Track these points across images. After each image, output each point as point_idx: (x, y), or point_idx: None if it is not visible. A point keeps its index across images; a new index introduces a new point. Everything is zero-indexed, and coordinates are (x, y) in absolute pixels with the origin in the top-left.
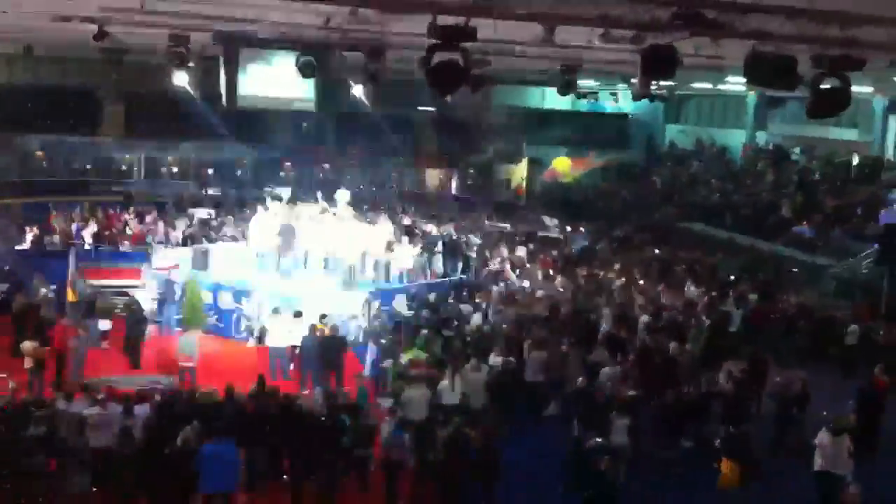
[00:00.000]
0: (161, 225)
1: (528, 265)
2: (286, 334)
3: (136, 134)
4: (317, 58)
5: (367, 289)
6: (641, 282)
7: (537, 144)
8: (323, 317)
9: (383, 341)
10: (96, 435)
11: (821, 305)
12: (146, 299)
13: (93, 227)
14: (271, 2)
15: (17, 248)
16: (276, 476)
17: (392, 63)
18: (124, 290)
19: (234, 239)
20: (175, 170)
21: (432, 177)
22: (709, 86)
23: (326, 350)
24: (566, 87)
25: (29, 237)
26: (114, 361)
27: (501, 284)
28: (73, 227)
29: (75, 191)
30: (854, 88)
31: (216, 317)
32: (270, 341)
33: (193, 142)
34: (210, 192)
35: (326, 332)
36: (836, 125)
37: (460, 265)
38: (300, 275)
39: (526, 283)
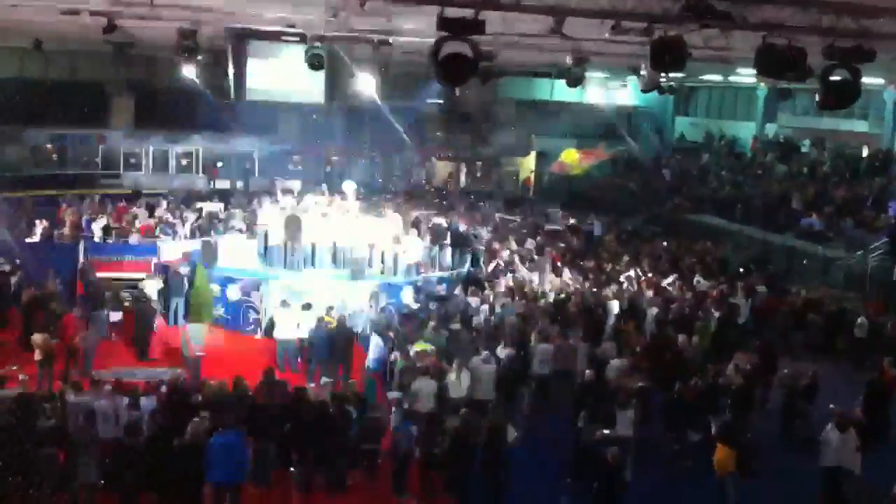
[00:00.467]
0: (170, 218)
1: (536, 258)
2: (294, 327)
3: (144, 127)
4: (325, 51)
5: (375, 281)
6: (650, 274)
7: (546, 137)
8: (330, 309)
9: (391, 333)
10: (105, 427)
11: (830, 298)
12: (154, 292)
13: (102, 220)
14: None
15: (27, 240)
16: (284, 467)
17: (400, 56)
18: (133, 282)
19: (242, 232)
20: (184, 163)
21: (440, 169)
22: (718, 78)
23: (334, 342)
24: (575, 80)
25: (39, 230)
26: (122, 354)
27: (509, 277)
28: (83, 219)
29: (85, 184)
30: (865, 80)
31: (224, 309)
32: (278, 334)
33: (202, 135)
34: (218, 184)
35: (334, 324)
36: (846, 117)
37: (468, 258)
38: (308, 267)
39: (534, 276)
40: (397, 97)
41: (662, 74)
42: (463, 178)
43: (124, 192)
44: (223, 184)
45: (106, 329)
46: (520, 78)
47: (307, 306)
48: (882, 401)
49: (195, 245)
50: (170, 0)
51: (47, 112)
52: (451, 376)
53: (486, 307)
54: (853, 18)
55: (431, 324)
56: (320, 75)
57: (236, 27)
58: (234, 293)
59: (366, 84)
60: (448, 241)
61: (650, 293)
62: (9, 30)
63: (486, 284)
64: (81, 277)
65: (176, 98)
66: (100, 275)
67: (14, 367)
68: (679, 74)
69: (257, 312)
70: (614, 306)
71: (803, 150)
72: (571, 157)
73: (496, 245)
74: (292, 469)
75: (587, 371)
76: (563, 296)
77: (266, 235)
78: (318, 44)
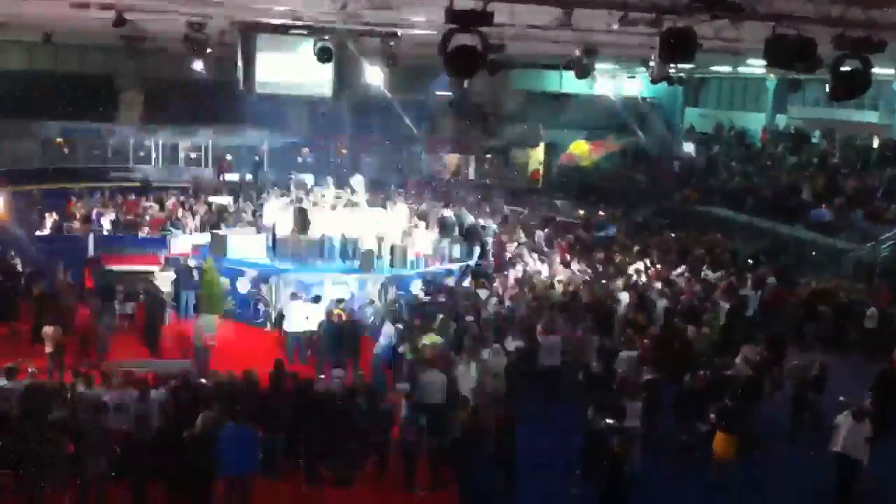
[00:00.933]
0: (179, 211)
1: (545, 249)
2: (304, 319)
3: (154, 120)
4: (334, 43)
5: (384, 274)
6: (659, 266)
7: (555, 129)
8: (340, 301)
9: (399, 326)
10: (115, 419)
11: (840, 289)
12: (165, 285)
13: (112, 214)
14: None
15: (37, 233)
16: (293, 459)
17: (409, 48)
18: (143, 275)
19: (251, 225)
20: (193, 156)
21: (449, 162)
22: (728, 69)
23: (343, 335)
24: (584, 71)
25: (49, 223)
26: (133, 346)
27: (518, 269)
28: (93, 213)
29: (94, 177)
30: (875, 70)
31: (234, 302)
32: (288, 326)
33: (211, 128)
34: (228, 178)
35: (344, 317)
36: (856, 108)
37: (477, 250)
38: (317, 260)
39: (543, 268)
40: (406, 89)
41: (672, 65)
42: (472, 170)
43: (134, 185)
44: (232, 177)
45: (117, 321)
46: (529, 70)
47: (316, 299)
48: (892, 392)
49: (205, 238)
50: None
51: (57, 105)
52: (460, 369)
53: (494, 299)
54: (863, 9)
55: (440, 316)
56: (329, 68)
57: (245, 20)
58: (243, 286)
59: (374, 77)
60: (457, 233)
61: (659, 285)
62: (18, 23)
63: (495, 277)
64: (91, 271)
65: (185, 91)
66: (109, 268)
67: (22, 361)
68: (688, 65)
69: (267, 305)
70: (623, 298)
71: (813, 140)
72: (581, 149)
73: (505, 237)
74: (301, 461)
75: (595, 363)
76: (571, 288)
77: (274, 228)
78: (326, 36)
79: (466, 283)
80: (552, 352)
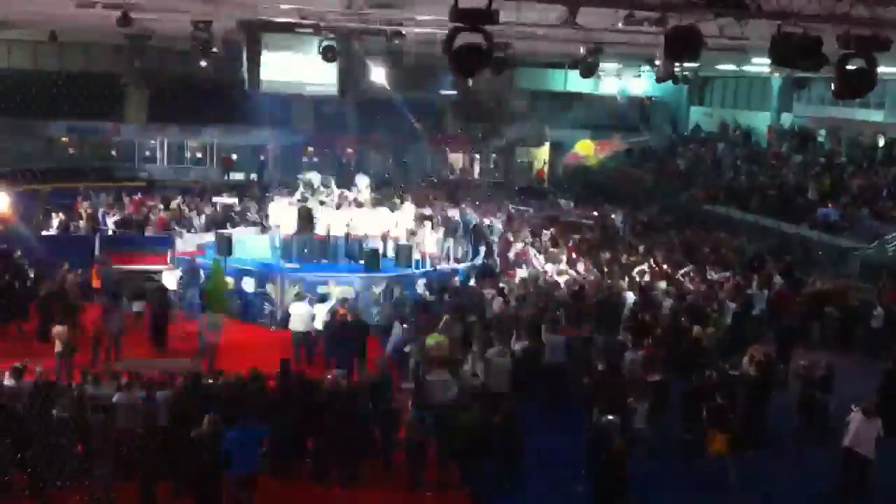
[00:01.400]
0: (185, 210)
1: (551, 249)
2: (309, 318)
3: (159, 119)
4: (339, 42)
5: (389, 273)
6: (665, 265)
7: (560, 128)
8: (345, 301)
9: (405, 325)
10: (123, 419)
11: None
12: (171, 284)
13: (118, 213)
14: None
15: (43, 233)
16: (299, 458)
17: (413, 47)
18: (149, 274)
19: (256, 224)
20: (198, 155)
21: (455, 161)
22: (733, 67)
23: (349, 334)
24: (589, 70)
25: (55, 223)
26: (139, 345)
27: (524, 269)
28: (99, 212)
29: (100, 176)
30: (881, 69)
31: (240, 301)
32: (293, 325)
33: (216, 127)
34: (233, 177)
35: (349, 316)
36: (862, 106)
37: (482, 249)
38: (323, 259)
39: (548, 267)
40: (411, 88)
41: (677, 64)
42: (477, 169)
43: (139, 184)
44: (237, 176)
45: (123, 320)
46: (534, 68)
47: (322, 298)
48: None
49: (210, 237)
50: None
51: (62, 105)
52: (466, 368)
53: (500, 299)
54: (868, 7)
55: (445, 316)
56: (334, 67)
57: (251, 19)
58: (249, 285)
59: (379, 75)
60: (462, 232)
61: (665, 284)
62: (24, 22)
63: (501, 276)
64: (97, 270)
65: (190, 90)
66: (116, 267)
67: (29, 360)
68: (693, 64)
69: (272, 304)
70: (629, 297)
71: (819, 139)
72: (586, 148)
73: (510, 236)
74: (307, 460)
75: (601, 363)
76: (577, 287)
77: (279, 228)
78: (331, 35)
79: (472, 282)
80: (557, 351)
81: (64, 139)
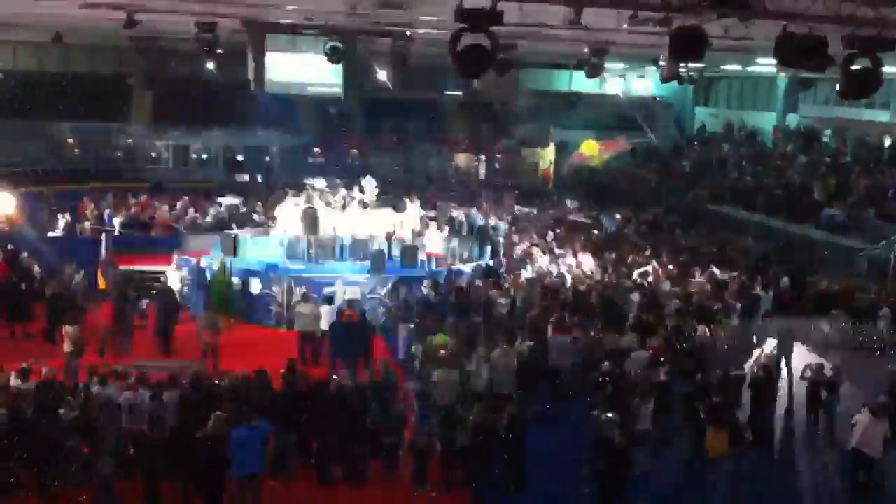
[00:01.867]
0: (191, 211)
1: (556, 250)
2: (315, 319)
3: (165, 121)
4: (344, 43)
5: (395, 274)
6: (670, 266)
7: (565, 128)
8: (351, 302)
9: (411, 326)
10: (129, 419)
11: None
12: (178, 284)
13: (123, 214)
14: None
15: (49, 234)
16: (304, 459)
17: (419, 48)
18: (155, 275)
19: (262, 225)
20: (204, 156)
21: (460, 161)
22: (738, 68)
23: (355, 335)
24: (594, 71)
25: (61, 223)
26: (145, 346)
27: (529, 269)
28: (105, 213)
29: (106, 178)
30: (886, 69)
31: (245, 302)
32: (299, 326)
33: (222, 128)
34: (238, 178)
35: (355, 317)
36: (868, 106)
37: (488, 250)
38: (329, 260)
39: (554, 268)
40: (416, 89)
41: (682, 65)
42: (482, 169)
43: (145, 185)
44: (242, 177)
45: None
46: (539, 69)
47: (328, 299)
48: None
49: (216, 238)
50: None
51: (67, 106)
52: (471, 368)
53: (505, 299)
54: (873, 7)
55: (451, 316)
56: (339, 68)
57: (256, 20)
58: (255, 286)
59: (384, 76)
60: (467, 233)
61: (670, 285)
62: (29, 23)
63: (506, 276)
64: (103, 271)
65: (196, 92)
66: (122, 268)
67: (36, 361)
68: (698, 64)
69: (278, 305)
70: (635, 298)
71: (825, 140)
72: (591, 148)
73: (516, 237)
74: (313, 461)
75: (606, 363)
76: (583, 288)
77: (285, 229)
78: (337, 36)
79: (477, 283)
80: (563, 351)
81: (69, 140)
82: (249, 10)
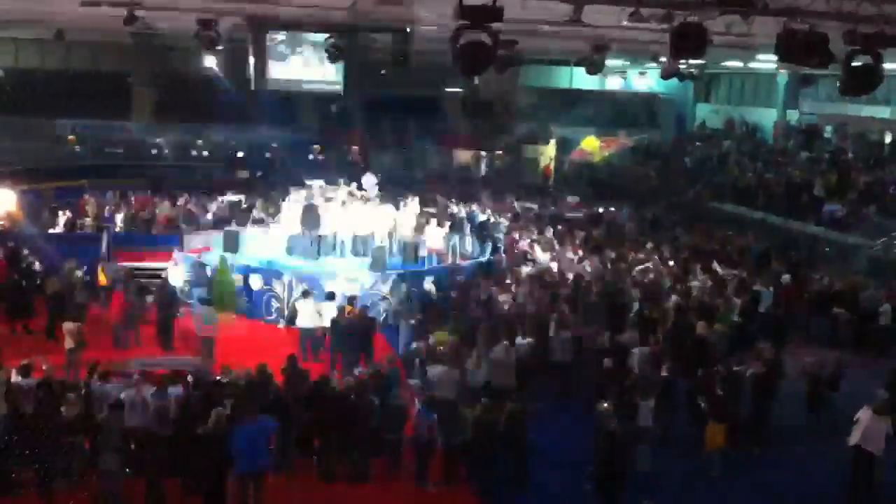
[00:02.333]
0: (192, 208)
1: (557, 246)
2: (316, 316)
3: (166, 118)
4: (345, 40)
5: (396, 270)
6: (671, 262)
7: (566, 125)
8: (352, 298)
9: (412, 322)
10: (131, 416)
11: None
12: (179, 281)
13: (124, 211)
14: None
15: (50, 231)
16: (306, 456)
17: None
18: (156, 272)
19: (262, 222)
20: (205, 153)
21: (461, 158)
22: (739, 64)
23: (356, 332)
24: (594, 67)
25: (62, 221)
26: (146, 343)
27: (530, 265)
28: (105, 210)
29: (107, 175)
30: (887, 65)
31: (247, 299)
32: (301, 323)
33: (223, 125)
34: (239, 175)
35: (356, 313)
36: (869, 103)
37: (489, 246)
38: (330, 256)
39: (554, 265)
40: (416, 86)
41: (682, 61)
42: (483, 166)
43: (146, 182)
44: (244, 174)
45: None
46: (539, 66)
47: (329, 296)
48: None
49: (217, 235)
50: None
51: (69, 103)
52: (471, 364)
53: (506, 296)
54: (874, 3)
55: (452, 312)
56: (340, 65)
57: (257, 17)
58: (256, 282)
59: (385, 73)
60: (468, 229)
61: (671, 281)
62: (31, 21)
63: (507, 273)
64: (104, 268)
65: (197, 89)
66: (122, 265)
67: (37, 358)
68: (699, 61)
69: (279, 302)
70: (636, 294)
71: (826, 136)
72: (592, 145)
73: (516, 233)
74: (315, 457)
75: (607, 359)
76: (584, 284)
77: (286, 226)
78: (337, 34)
79: (478, 279)
80: (564, 348)
81: (70, 137)
82: (250, 6)
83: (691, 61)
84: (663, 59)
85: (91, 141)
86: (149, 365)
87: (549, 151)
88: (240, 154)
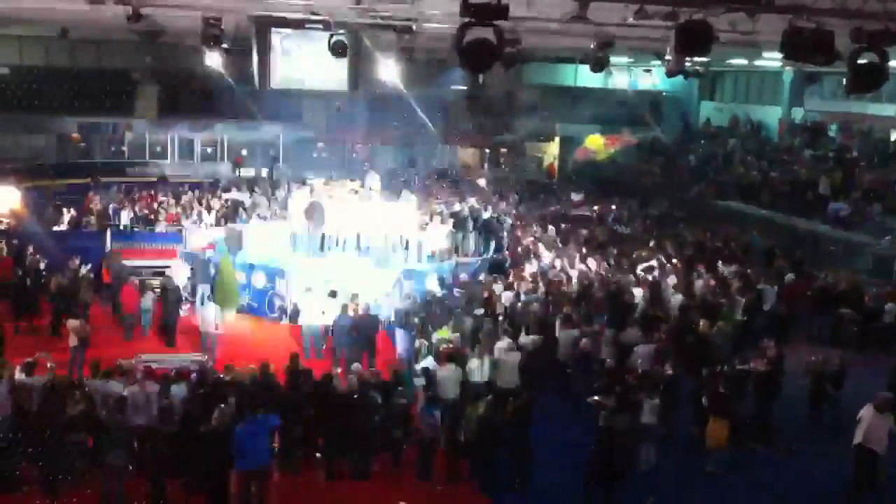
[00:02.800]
0: (195, 205)
1: (560, 244)
2: (319, 314)
3: (170, 115)
4: (349, 38)
5: (399, 268)
6: (675, 260)
7: (570, 123)
8: (355, 296)
9: (416, 320)
10: (135, 413)
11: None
12: (182, 279)
13: (128, 209)
14: None
15: (54, 228)
16: (309, 454)
17: (424, 42)
18: (160, 269)
19: (266, 219)
20: (209, 151)
21: (465, 156)
22: (744, 62)
23: (359, 329)
24: (599, 65)
25: (66, 218)
26: (150, 340)
27: (533, 263)
28: (110, 208)
29: (111, 172)
30: (893, 63)
31: (250, 296)
32: (303, 320)
33: (227, 123)
34: (243, 172)
35: (359, 311)
36: (874, 101)
37: (492, 244)
38: (333, 254)
39: (558, 262)
40: (422, 84)
41: (687, 59)
42: (487, 164)
43: (150, 180)
44: (248, 172)
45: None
46: (544, 64)
47: (332, 293)
48: None
49: (220, 233)
50: None
51: (73, 101)
52: (474, 363)
53: (509, 294)
54: (880, 1)
55: (455, 311)
56: (344, 63)
57: (261, 14)
58: (259, 280)
59: (390, 71)
60: (472, 227)
61: (675, 279)
62: (35, 18)
63: (510, 271)
64: (108, 265)
65: (201, 86)
66: (126, 262)
67: (43, 355)
68: (704, 59)
69: (283, 299)
70: (639, 292)
71: (830, 134)
72: (596, 143)
73: (520, 231)
74: (318, 455)
75: (609, 357)
76: (587, 282)
77: (290, 223)
78: (341, 31)
79: (481, 277)
80: (567, 346)
81: (75, 135)
82: (254, 4)
83: (696, 59)
84: (668, 56)
85: (95, 138)
86: (152, 362)
87: (552, 149)
88: (244, 152)
